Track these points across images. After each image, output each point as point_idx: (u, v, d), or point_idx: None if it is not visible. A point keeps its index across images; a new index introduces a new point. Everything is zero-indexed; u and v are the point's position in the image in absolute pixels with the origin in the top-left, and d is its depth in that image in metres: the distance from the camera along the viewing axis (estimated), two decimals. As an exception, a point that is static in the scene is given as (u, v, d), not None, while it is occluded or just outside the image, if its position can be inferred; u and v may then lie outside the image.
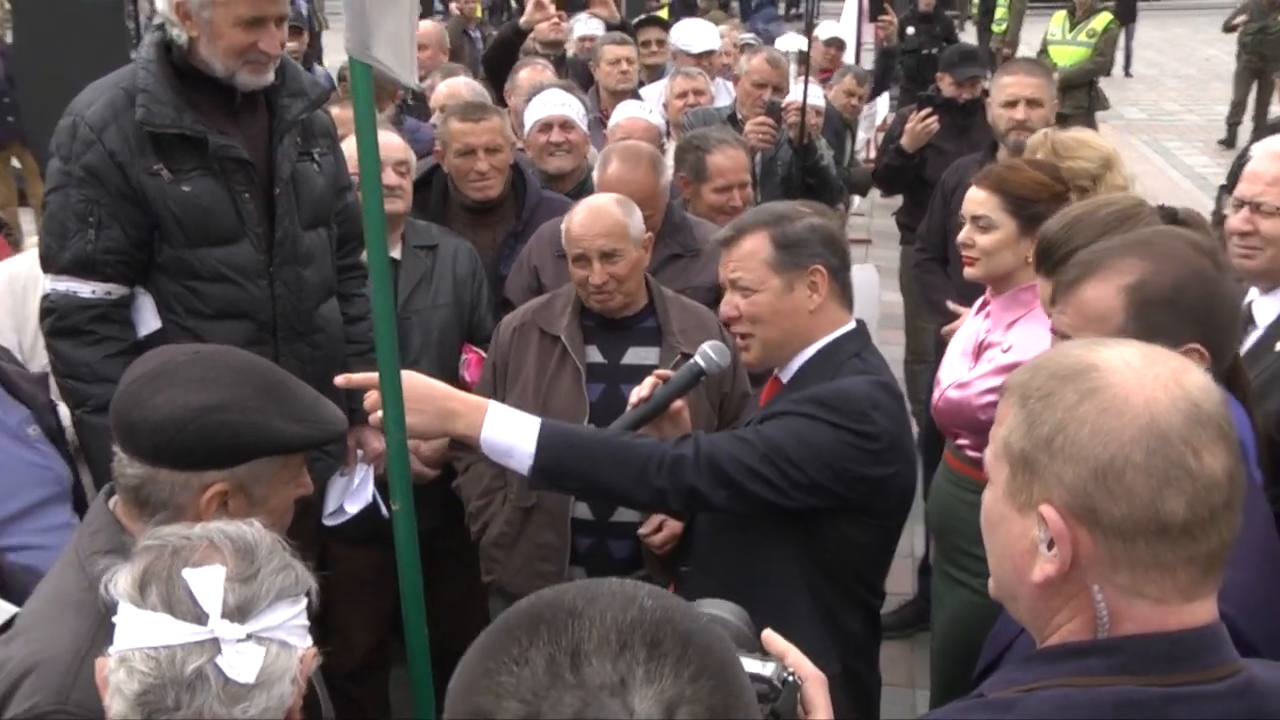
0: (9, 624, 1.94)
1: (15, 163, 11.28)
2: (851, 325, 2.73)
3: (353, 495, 3.59)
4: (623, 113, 5.19)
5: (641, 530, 3.26)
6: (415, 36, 2.44)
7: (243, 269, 3.17)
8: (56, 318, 3.07)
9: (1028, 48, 15.17)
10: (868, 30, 11.40)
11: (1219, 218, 4.75)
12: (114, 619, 1.55)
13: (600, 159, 4.14)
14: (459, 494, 3.64)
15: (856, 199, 8.35)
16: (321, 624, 3.91)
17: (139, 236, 3.08)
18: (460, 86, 5.50)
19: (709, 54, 7.20)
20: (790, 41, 8.29)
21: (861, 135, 9.77)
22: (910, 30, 12.13)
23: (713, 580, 2.57)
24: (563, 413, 3.29)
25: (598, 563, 3.32)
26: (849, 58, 9.35)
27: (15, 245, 5.12)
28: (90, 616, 1.74)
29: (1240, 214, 3.01)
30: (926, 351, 5.72)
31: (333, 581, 3.83)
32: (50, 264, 3.08)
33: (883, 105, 10.29)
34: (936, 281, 5.00)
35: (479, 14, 13.46)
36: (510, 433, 2.51)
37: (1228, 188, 6.17)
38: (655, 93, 6.62)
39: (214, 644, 1.49)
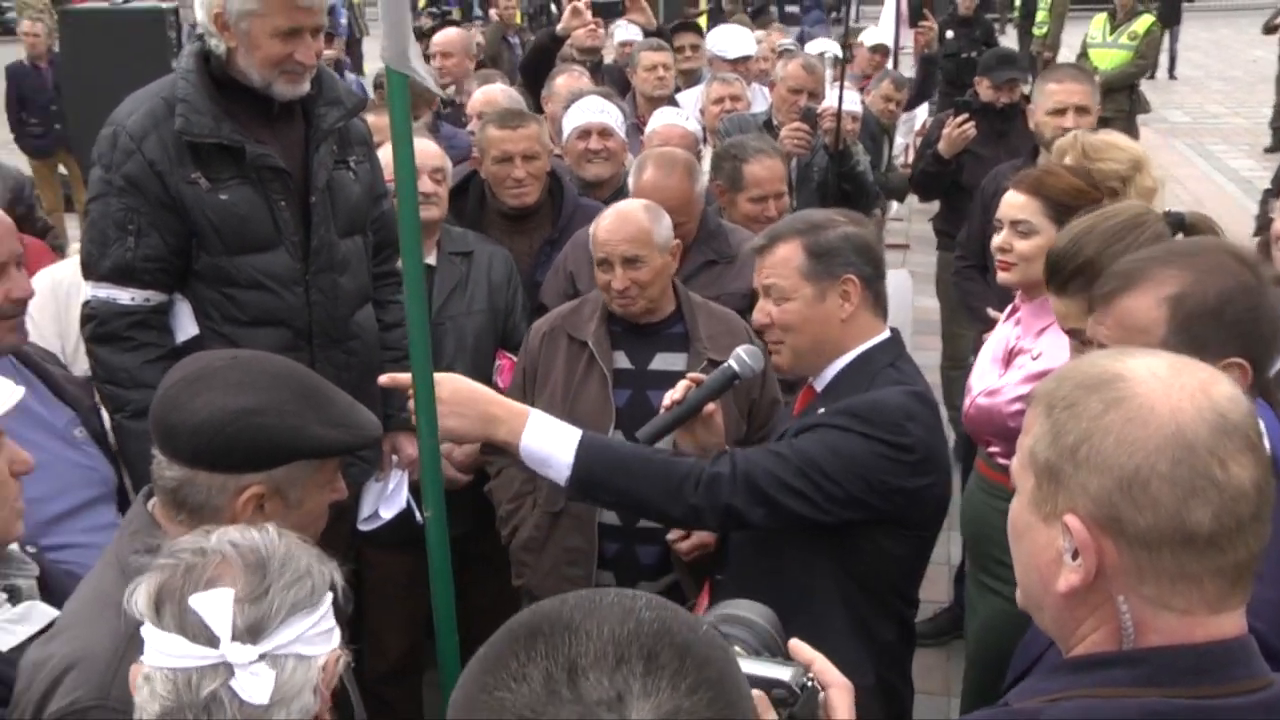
0: (49, 627, 1.98)
1: (62, 169, 11.47)
2: (886, 334, 2.72)
3: (387, 501, 3.62)
4: (659, 119, 5.19)
5: (670, 536, 3.27)
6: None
7: (279, 276, 3.21)
8: (96, 324, 3.12)
9: (1069, 50, 15.05)
10: (906, 35, 11.35)
11: (1264, 222, 4.69)
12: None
13: (635, 165, 4.16)
14: (491, 499, 3.66)
15: (894, 204, 8.30)
16: (355, 627, 3.97)
17: (177, 244, 3.13)
18: (497, 93, 5.53)
19: (745, 59, 7.19)
20: (824, 46, 8.26)
21: (900, 140, 9.72)
22: (949, 34, 12.07)
23: (747, 590, 2.55)
24: (590, 418, 3.30)
25: (625, 568, 3.33)
26: (888, 63, 9.31)
27: (59, 250, 5.19)
28: (129, 616, 1.77)
29: None
30: (963, 357, 5.68)
31: (367, 586, 3.91)
32: (91, 271, 3.14)
33: (922, 112, 10.25)
34: (977, 289, 4.96)
35: (519, 20, 13.55)
36: (550, 442, 2.52)
37: (1274, 191, 6.10)
38: (692, 99, 6.62)
39: (227, 667, 1.50)
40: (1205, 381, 1.34)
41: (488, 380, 3.82)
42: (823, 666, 1.45)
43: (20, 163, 8.99)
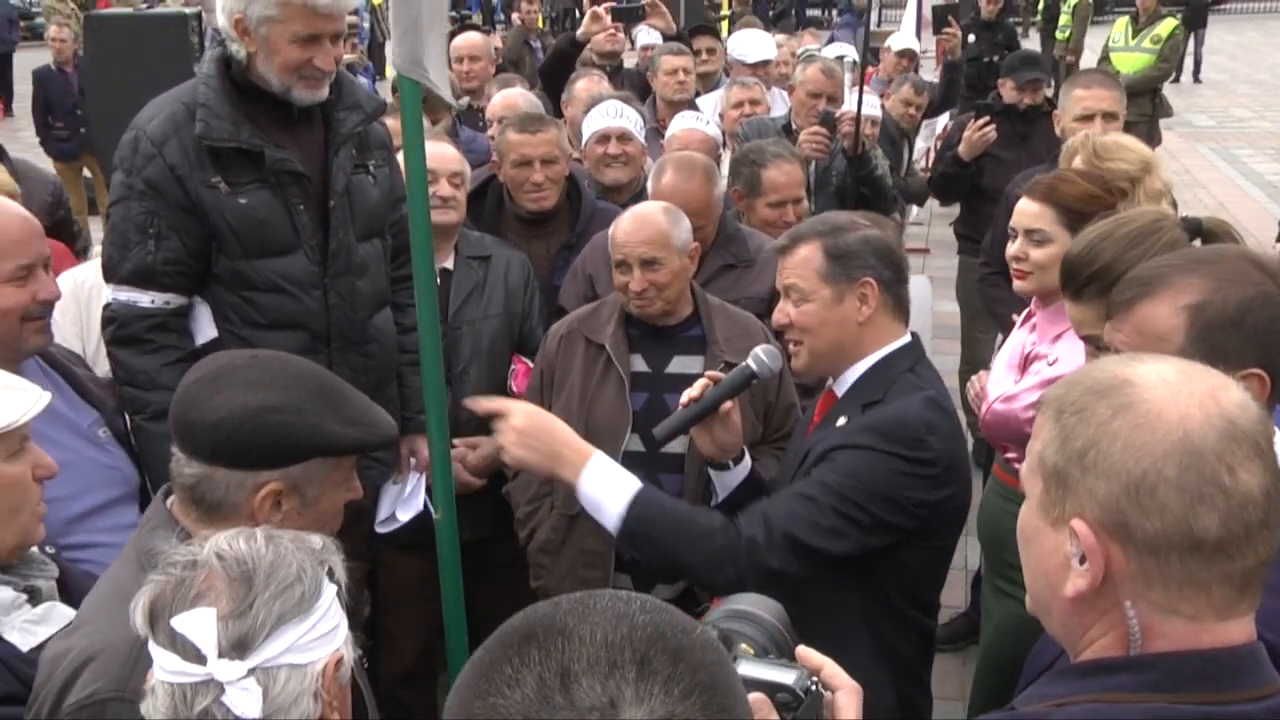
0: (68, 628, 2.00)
1: (86, 173, 11.58)
2: (906, 339, 2.71)
3: (405, 503, 3.64)
4: (679, 123, 5.20)
5: None
6: (445, 58, 2.48)
7: (297, 280, 3.23)
8: (117, 326, 3.15)
9: (1092, 53, 15.00)
10: (928, 39, 11.32)
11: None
12: None
13: (654, 169, 4.16)
14: (509, 500, 3.67)
15: (914, 209, 8.27)
16: (372, 629, 3.98)
17: (197, 248, 3.15)
18: (516, 98, 5.55)
19: (765, 64, 7.19)
20: (843, 50, 8.24)
21: (921, 144, 9.69)
22: (971, 38, 12.03)
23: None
24: (607, 421, 3.32)
25: (642, 571, 3.33)
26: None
27: (83, 252, 5.24)
28: None
29: None
30: (982, 362, 5.65)
31: (383, 588, 3.93)
32: (111, 274, 3.16)
33: (945, 119, 10.22)
34: (1002, 295, 4.92)
35: (541, 25, 13.59)
36: (605, 490, 2.53)
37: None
38: (711, 103, 6.62)
39: (217, 684, 1.51)
40: (1215, 388, 1.33)
41: (502, 385, 3.84)
42: (832, 670, 1.45)
43: (45, 166, 9.06)
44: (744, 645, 1.49)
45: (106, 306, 3.19)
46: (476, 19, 16.59)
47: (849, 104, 5.49)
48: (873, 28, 13.44)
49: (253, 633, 1.54)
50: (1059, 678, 1.41)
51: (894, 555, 2.57)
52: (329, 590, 1.63)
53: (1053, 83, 6.51)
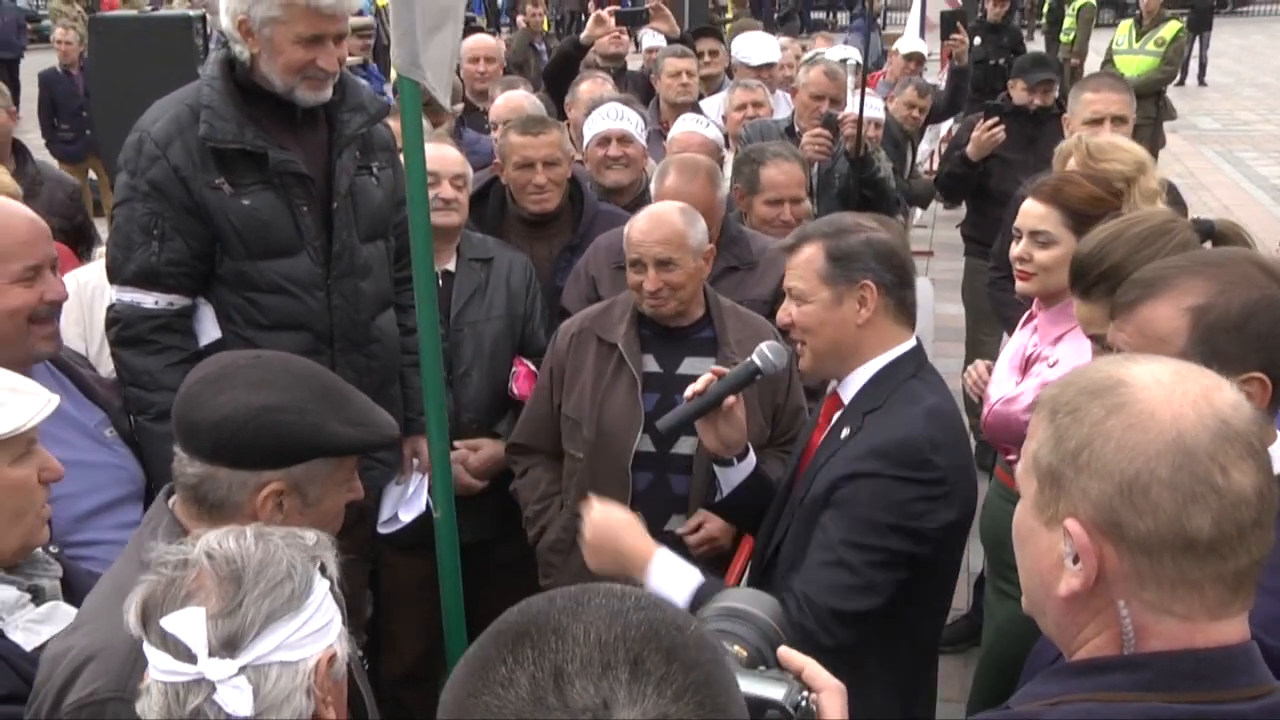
0: None
1: (92, 174, 11.61)
2: (910, 344, 2.70)
3: (407, 504, 3.65)
4: (680, 126, 5.21)
5: (680, 530, 3.29)
6: (454, 62, 2.48)
7: (301, 281, 3.24)
8: (121, 327, 3.16)
9: (1096, 56, 14.98)
10: (932, 41, 11.32)
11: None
12: None
13: (658, 171, 4.18)
14: (516, 497, 3.68)
15: (917, 211, 8.28)
16: (374, 630, 3.98)
17: (201, 249, 3.17)
18: (519, 100, 5.56)
19: (769, 66, 7.20)
20: (847, 53, 8.25)
21: (925, 147, 9.69)
22: (978, 40, 12.02)
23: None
24: (618, 421, 3.32)
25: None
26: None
27: (86, 253, 5.25)
28: None
29: None
30: (988, 364, 5.64)
31: (385, 589, 3.94)
32: (115, 275, 3.18)
33: (948, 122, 10.21)
34: (1011, 299, 4.91)
35: (546, 27, 13.61)
36: (670, 586, 2.50)
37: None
38: (715, 105, 6.63)
39: (208, 683, 1.52)
40: (1208, 388, 1.34)
41: (504, 387, 3.85)
42: (813, 671, 1.46)
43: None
44: (737, 648, 1.49)
45: (110, 307, 3.20)
46: (481, 21, 16.59)
47: (852, 106, 5.49)
48: (882, 31, 13.48)
49: (242, 631, 1.54)
50: (1053, 677, 1.41)
51: (914, 582, 2.57)
52: (320, 586, 1.63)
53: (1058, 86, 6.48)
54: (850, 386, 2.69)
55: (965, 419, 3.01)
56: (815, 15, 29.33)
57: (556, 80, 6.54)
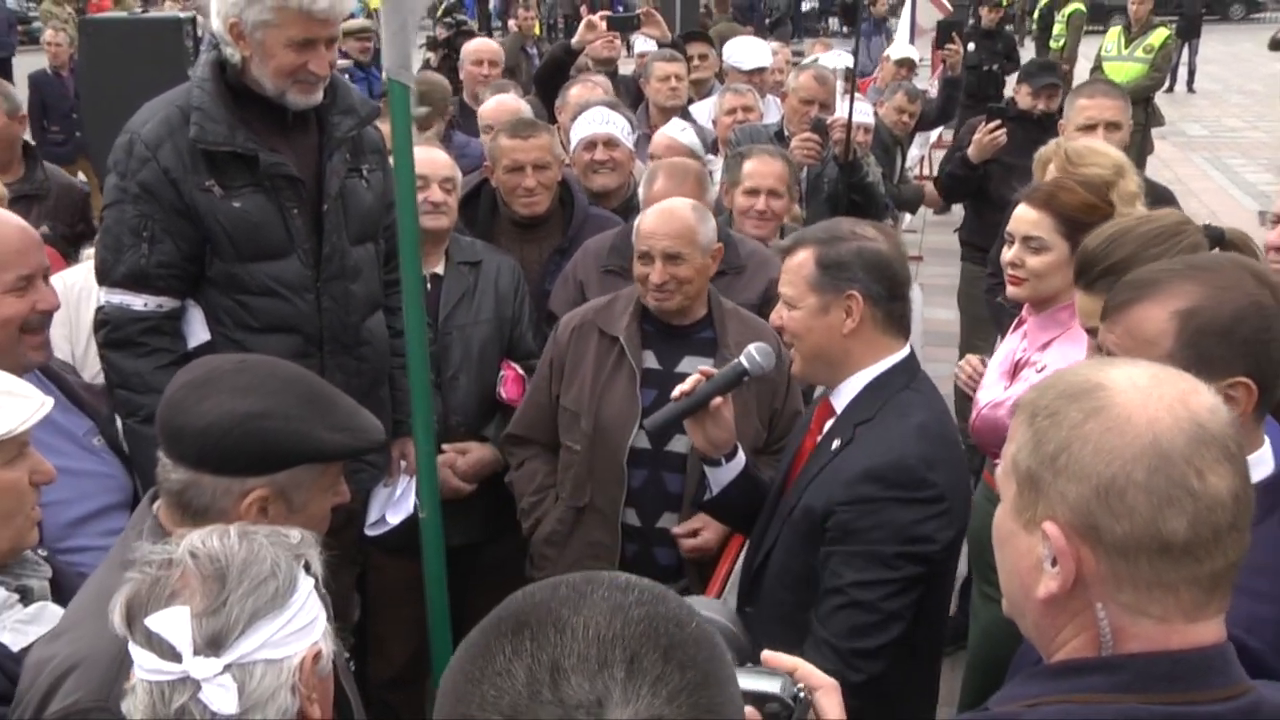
0: None
1: (82, 176, 11.58)
2: (902, 354, 2.69)
3: (395, 506, 3.65)
4: (659, 134, 5.26)
5: (676, 530, 3.30)
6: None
7: (290, 284, 3.24)
8: (110, 329, 3.16)
9: (1086, 62, 15.04)
10: (923, 47, 11.35)
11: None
12: None
13: (646, 175, 4.19)
14: (512, 490, 3.68)
15: (907, 216, 8.31)
16: (361, 632, 3.98)
17: (191, 251, 3.17)
18: (508, 103, 5.57)
19: (760, 71, 7.22)
20: (836, 59, 8.28)
21: (915, 152, 9.73)
22: (971, 46, 12.07)
23: (777, 626, 2.58)
24: (616, 415, 3.34)
25: (642, 569, 3.31)
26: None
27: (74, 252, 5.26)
28: None
29: (1277, 229, 3.00)
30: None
31: (372, 591, 3.94)
32: (105, 277, 3.18)
33: (936, 130, 10.25)
34: (1010, 306, 4.92)
35: (537, 31, 13.63)
36: None
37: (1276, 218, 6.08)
38: (705, 109, 6.65)
39: (193, 681, 1.53)
40: (1185, 392, 1.35)
41: (492, 390, 3.86)
42: (806, 671, 1.47)
43: (41, 169, 9.05)
44: None
45: (99, 309, 3.20)
46: (473, 25, 16.61)
47: (841, 111, 5.51)
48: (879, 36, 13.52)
49: (226, 629, 1.55)
50: (1032, 678, 1.43)
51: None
52: (305, 584, 1.64)
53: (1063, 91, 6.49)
54: (842, 395, 2.69)
55: (955, 421, 3.03)
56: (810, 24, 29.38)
57: (547, 85, 6.55)
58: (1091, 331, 2.64)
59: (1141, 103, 10.26)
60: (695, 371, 2.80)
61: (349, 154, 3.38)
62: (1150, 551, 1.30)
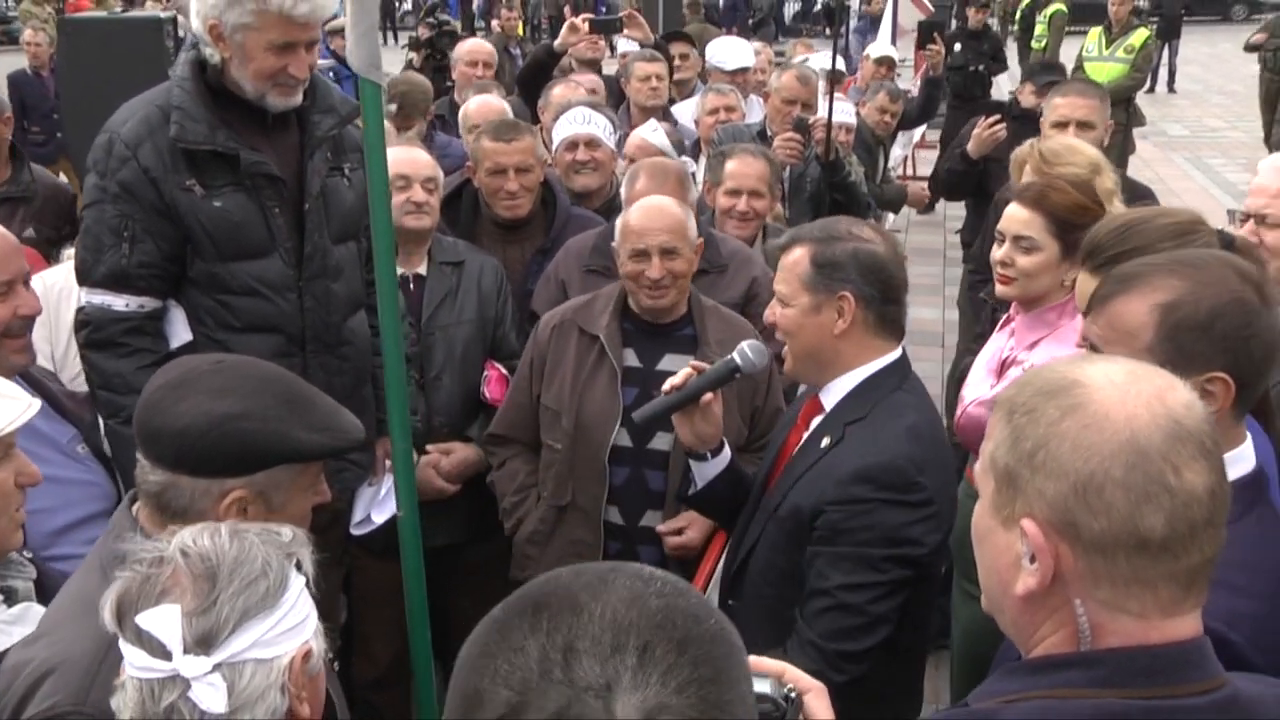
0: None
1: (63, 177, 11.52)
2: (894, 355, 2.69)
3: (379, 505, 3.64)
4: (634, 134, 5.26)
5: (660, 528, 3.31)
6: None
7: (272, 283, 3.23)
8: (91, 330, 3.14)
9: (1067, 63, 15.13)
10: (905, 47, 11.39)
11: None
12: None
13: (628, 175, 4.19)
14: (494, 490, 3.68)
15: (890, 216, 8.34)
16: (346, 633, 3.97)
17: (171, 251, 3.15)
18: (491, 104, 5.56)
19: (743, 71, 7.23)
20: (827, 60, 8.31)
21: (897, 152, 9.76)
22: (958, 47, 12.13)
23: (760, 621, 2.59)
24: (597, 413, 3.34)
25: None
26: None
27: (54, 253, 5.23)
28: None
29: (1246, 226, 3.02)
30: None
31: (357, 592, 3.93)
32: (85, 277, 3.16)
33: (921, 128, 10.29)
34: (994, 304, 4.93)
35: (520, 32, 13.62)
36: None
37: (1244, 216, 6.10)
38: (688, 109, 6.66)
39: (183, 679, 1.53)
40: (1161, 388, 1.35)
41: (476, 390, 3.85)
42: (794, 674, 1.47)
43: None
44: None
45: (80, 310, 3.18)
46: (455, 25, 16.59)
47: (823, 111, 5.52)
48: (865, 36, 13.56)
49: (217, 628, 1.55)
50: (1011, 674, 1.43)
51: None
52: (296, 583, 1.64)
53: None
54: (832, 394, 2.69)
55: (944, 421, 3.04)
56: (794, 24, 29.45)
57: (530, 86, 6.54)
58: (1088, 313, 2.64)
59: (1123, 103, 10.31)
60: (687, 366, 2.81)
61: (330, 153, 3.37)
62: (1128, 548, 1.30)
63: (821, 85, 5.91)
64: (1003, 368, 3.46)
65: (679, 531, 3.36)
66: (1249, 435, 1.99)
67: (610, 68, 8.05)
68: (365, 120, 2.44)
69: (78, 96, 7.37)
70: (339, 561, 3.72)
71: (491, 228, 4.32)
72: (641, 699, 1.01)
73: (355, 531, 3.69)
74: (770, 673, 1.47)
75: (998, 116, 5.96)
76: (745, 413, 3.43)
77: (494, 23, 13.04)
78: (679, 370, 2.87)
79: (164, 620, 1.54)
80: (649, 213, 3.38)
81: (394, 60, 11.81)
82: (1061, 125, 4.70)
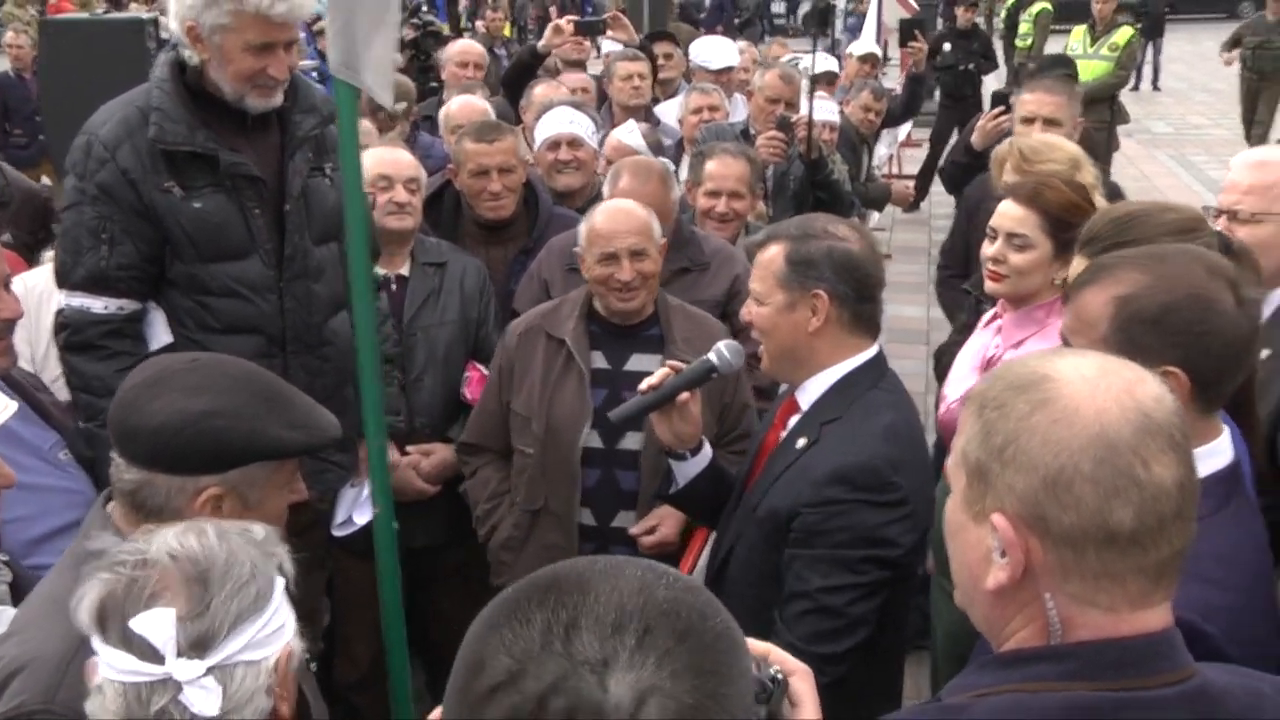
0: None
1: (45, 179, 11.47)
2: (870, 354, 2.68)
3: (361, 506, 3.64)
4: (611, 135, 5.27)
5: (633, 530, 3.30)
6: (394, 60, 2.48)
7: (253, 284, 3.22)
8: (70, 332, 3.13)
9: (1053, 62, 15.15)
10: (891, 46, 11.42)
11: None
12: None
13: (611, 174, 4.19)
14: (467, 498, 3.67)
15: (874, 215, 8.36)
16: (328, 634, 3.96)
17: (151, 252, 3.14)
18: (474, 104, 5.55)
19: (728, 70, 7.24)
20: (823, 61, 8.32)
21: (882, 151, 9.79)
22: (947, 47, 12.15)
23: (742, 620, 2.57)
24: (566, 416, 3.34)
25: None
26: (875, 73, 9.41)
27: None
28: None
29: (1219, 223, 3.02)
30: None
31: (338, 594, 3.92)
32: (64, 279, 3.15)
33: (905, 127, 10.31)
34: (959, 298, 4.94)
35: (507, 33, 13.60)
36: None
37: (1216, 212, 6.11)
38: (672, 109, 6.66)
39: (175, 683, 1.52)
40: (1131, 382, 1.36)
41: (457, 391, 3.85)
42: (779, 656, 1.47)
43: (4, 173, 8.97)
44: None
45: (59, 312, 3.17)
46: (441, 26, 16.57)
47: (806, 109, 5.53)
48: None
49: (212, 632, 1.55)
50: (982, 669, 1.43)
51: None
52: (279, 585, 1.64)
53: (1018, 91, 6.51)
54: (809, 393, 2.68)
55: (925, 420, 3.03)
56: (778, 21, 29.49)
57: (514, 87, 6.55)
58: None
59: (1107, 100, 10.34)
60: (657, 367, 2.80)
61: (311, 153, 3.36)
62: (1097, 542, 1.31)
63: (805, 84, 5.92)
64: (987, 366, 3.46)
65: (651, 531, 3.36)
66: (1225, 429, 1.99)
67: (594, 68, 8.06)
68: (340, 121, 2.43)
69: (59, 98, 7.33)
70: (321, 563, 3.71)
71: (474, 228, 4.32)
72: (636, 679, 1.03)
73: (337, 533, 3.68)
74: (756, 654, 1.47)
75: (1003, 108, 5.96)
76: (715, 408, 3.43)
77: (479, 23, 13.02)
78: (646, 369, 2.87)
79: (157, 624, 1.53)
80: (615, 216, 3.38)
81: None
82: (1028, 121, 4.69)
